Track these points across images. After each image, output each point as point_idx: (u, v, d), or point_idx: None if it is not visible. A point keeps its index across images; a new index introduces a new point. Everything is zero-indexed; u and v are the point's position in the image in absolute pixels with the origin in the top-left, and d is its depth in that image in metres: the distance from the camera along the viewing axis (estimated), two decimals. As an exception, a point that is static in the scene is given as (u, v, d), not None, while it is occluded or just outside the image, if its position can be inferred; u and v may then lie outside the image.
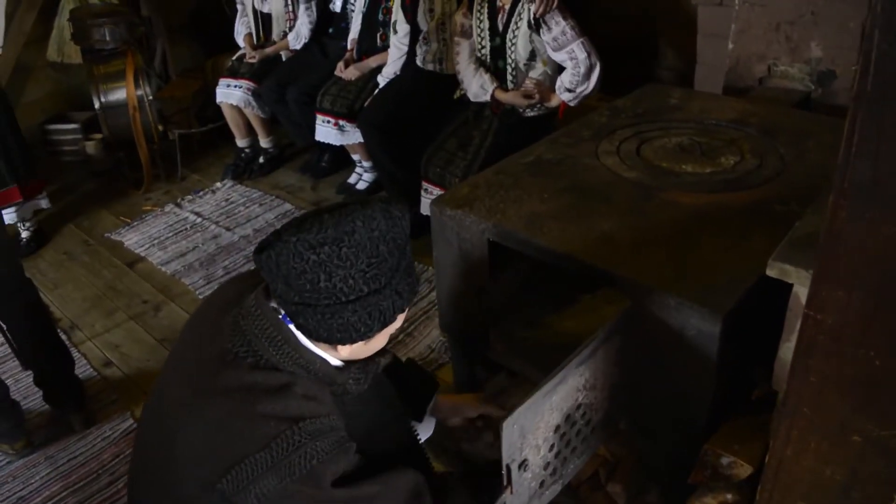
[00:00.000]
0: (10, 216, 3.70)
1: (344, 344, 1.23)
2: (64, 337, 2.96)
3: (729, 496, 1.53)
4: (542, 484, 1.43)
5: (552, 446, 1.41)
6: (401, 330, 2.97)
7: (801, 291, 1.27)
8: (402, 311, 1.27)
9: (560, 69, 3.05)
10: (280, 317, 1.24)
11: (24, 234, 3.86)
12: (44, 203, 3.88)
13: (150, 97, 4.29)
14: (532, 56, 3.06)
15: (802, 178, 1.84)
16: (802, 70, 2.52)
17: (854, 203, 0.91)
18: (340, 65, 3.84)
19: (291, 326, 1.24)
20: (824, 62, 2.47)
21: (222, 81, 4.21)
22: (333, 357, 1.28)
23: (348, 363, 1.31)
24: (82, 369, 2.92)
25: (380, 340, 1.31)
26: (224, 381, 1.20)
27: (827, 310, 1.01)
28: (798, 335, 1.06)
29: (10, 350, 2.59)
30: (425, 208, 3.20)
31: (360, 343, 1.25)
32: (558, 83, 3.02)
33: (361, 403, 1.34)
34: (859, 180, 0.89)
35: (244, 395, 1.18)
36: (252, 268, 1.37)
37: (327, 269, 1.14)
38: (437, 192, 3.07)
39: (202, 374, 1.24)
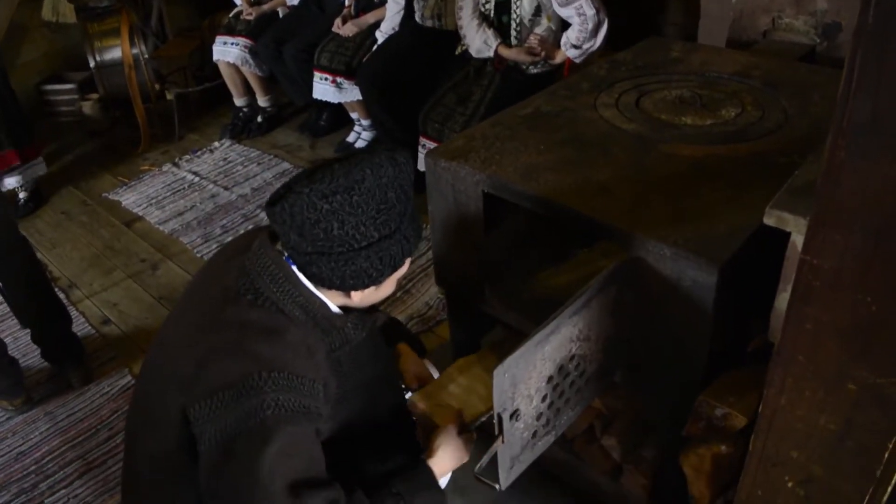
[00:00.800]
0: (11, 181, 3.68)
1: (356, 289, 1.27)
2: (62, 296, 2.96)
3: (723, 447, 1.53)
4: (534, 434, 1.43)
5: (545, 397, 1.40)
6: (400, 287, 2.96)
7: (799, 240, 1.25)
8: (410, 255, 1.31)
9: (564, 25, 3.00)
10: (284, 258, 1.26)
11: (22, 195, 3.84)
12: (41, 169, 3.85)
13: (146, 56, 4.25)
14: (537, 11, 3.01)
15: (805, 131, 1.81)
16: (807, 23, 2.47)
17: (853, 142, 0.88)
18: (338, 21, 3.78)
19: (295, 269, 1.26)
20: (829, 14, 2.41)
21: (219, 39, 4.16)
22: (341, 302, 1.32)
23: (347, 310, 1.34)
24: (80, 327, 2.92)
25: (389, 286, 1.35)
26: (225, 316, 1.24)
27: (824, 255, 0.98)
28: (794, 281, 1.04)
29: (8, 308, 2.60)
30: (423, 164, 3.17)
31: (372, 288, 1.30)
32: (564, 39, 2.97)
33: (357, 364, 1.36)
34: (859, 118, 0.87)
35: (238, 331, 1.22)
36: (258, 225, 1.39)
37: (340, 217, 1.17)
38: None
39: (206, 312, 1.28)
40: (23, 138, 3.63)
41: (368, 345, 1.43)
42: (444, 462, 1.42)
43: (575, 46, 2.92)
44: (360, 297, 1.31)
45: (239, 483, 1.17)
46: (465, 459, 1.47)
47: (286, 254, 1.27)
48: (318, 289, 1.28)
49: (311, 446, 1.23)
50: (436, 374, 1.71)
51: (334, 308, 1.32)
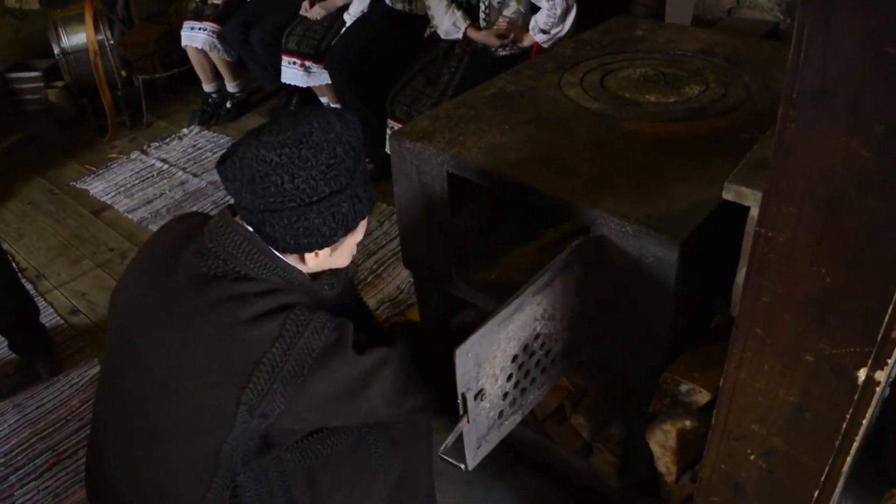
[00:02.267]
0: None
1: (311, 250, 1.26)
2: (29, 286, 2.93)
3: (688, 423, 1.54)
4: (500, 414, 1.43)
5: (510, 376, 1.40)
6: (370, 271, 2.96)
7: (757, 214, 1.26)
8: (363, 217, 1.30)
9: (534, 8, 2.98)
10: (250, 231, 1.25)
11: None
12: None
13: (112, 42, 4.18)
14: (507, -7, 3.00)
15: (767, 107, 1.81)
16: (772, 0, 2.47)
17: (803, 113, 0.88)
18: (305, 4, 3.74)
19: (262, 241, 1.26)
20: (794, -9, 2.42)
21: (186, 24, 4.10)
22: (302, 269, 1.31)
23: (318, 273, 1.35)
24: (49, 318, 2.89)
25: (344, 252, 1.35)
26: (211, 296, 1.21)
27: (778, 227, 0.99)
28: (750, 254, 1.04)
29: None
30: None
31: (326, 252, 1.29)
32: (532, 23, 2.96)
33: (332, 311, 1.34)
34: (807, 89, 0.86)
35: (237, 303, 1.20)
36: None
37: (290, 170, 1.17)
38: (404, 131, 3.03)
39: (187, 301, 1.23)
40: None
41: (345, 299, 1.45)
42: None
43: (543, 31, 2.91)
44: (314, 263, 1.30)
45: (351, 393, 1.25)
46: None
47: (251, 228, 1.26)
48: (284, 257, 1.28)
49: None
50: None
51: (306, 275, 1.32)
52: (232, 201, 1.27)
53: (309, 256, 1.28)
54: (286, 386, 1.19)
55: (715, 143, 1.68)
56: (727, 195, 1.25)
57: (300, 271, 1.29)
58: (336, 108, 1.25)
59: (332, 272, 1.37)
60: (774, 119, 1.65)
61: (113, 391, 1.37)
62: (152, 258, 1.35)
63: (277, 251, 1.26)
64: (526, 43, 3.04)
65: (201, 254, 1.26)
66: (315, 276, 1.34)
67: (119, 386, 1.34)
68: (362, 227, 1.33)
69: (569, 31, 2.92)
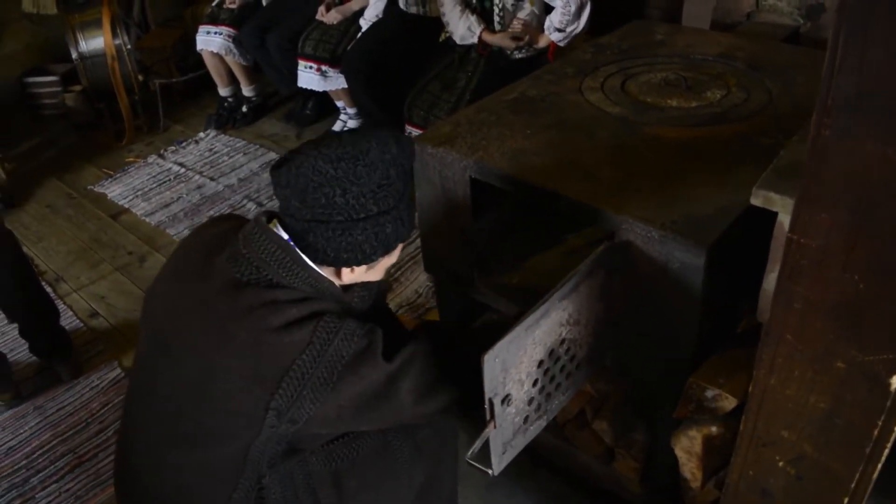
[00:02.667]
0: None
1: (349, 266, 1.28)
2: (49, 289, 2.95)
3: (713, 429, 1.53)
4: (526, 419, 1.43)
5: (536, 381, 1.40)
6: (388, 275, 2.96)
7: (786, 220, 1.26)
8: (403, 240, 1.32)
9: (547, 9, 2.98)
10: (285, 239, 1.26)
11: None
12: None
13: (129, 46, 4.20)
14: (520, -5, 3.00)
15: (789, 112, 1.81)
16: (791, 3, 2.47)
17: (838, 120, 0.88)
18: (322, 9, 3.75)
19: (296, 250, 1.26)
20: (813, -6, 2.42)
21: (202, 28, 4.12)
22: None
23: (349, 286, 1.36)
24: (68, 321, 2.91)
25: (377, 272, 1.36)
26: (244, 302, 1.22)
27: (811, 233, 0.99)
28: (782, 260, 1.04)
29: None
30: (410, 153, 3.16)
31: (362, 269, 1.31)
32: (547, 23, 2.96)
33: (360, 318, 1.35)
34: (843, 96, 0.86)
35: (269, 309, 1.21)
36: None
37: (343, 184, 1.19)
38: (421, 135, 3.03)
39: (221, 306, 1.24)
40: None
41: (374, 315, 1.44)
42: None
43: (558, 30, 2.91)
44: (349, 278, 1.31)
45: (379, 397, 1.27)
46: None
47: (286, 236, 1.27)
48: (319, 268, 1.29)
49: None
50: None
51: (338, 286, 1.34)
52: (273, 207, 1.29)
53: (345, 271, 1.29)
54: (316, 392, 1.20)
55: (738, 148, 1.68)
56: (755, 201, 1.25)
57: (332, 282, 1.31)
58: (395, 131, 1.29)
59: (364, 285, 1.38)
60: (798, 124, 1.66)
61: (144, 391, 1.38)
62: (187, 261, 1.37)
63: (315, 262, 1.27)
64: (542, 44, 3.04)
65: (235, 259, 1.26)
66: (346, 287, 1.35)
67: (150, 386, 1.36)
68: (398, 250, 1.35)
69: (584, 28, 2.93)
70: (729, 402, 1.47)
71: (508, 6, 3.03)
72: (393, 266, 2.94)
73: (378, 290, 1.46)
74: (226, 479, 1.32)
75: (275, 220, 1.29)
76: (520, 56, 3.09)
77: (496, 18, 3.07)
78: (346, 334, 1.22)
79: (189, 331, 1.27)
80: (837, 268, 0.98)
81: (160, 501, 1.40)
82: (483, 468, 1.35)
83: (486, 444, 1.35)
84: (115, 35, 4.12)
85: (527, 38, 3.00)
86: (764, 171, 1.29)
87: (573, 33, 2.92)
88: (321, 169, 1.18)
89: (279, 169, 1.21)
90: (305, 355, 1.19)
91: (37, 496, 2.25)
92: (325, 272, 1.29)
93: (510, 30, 3.02)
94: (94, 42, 4.17)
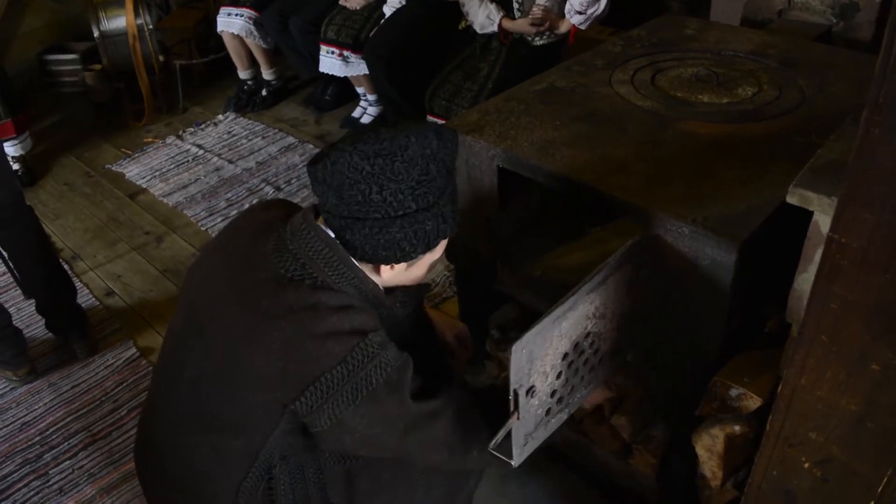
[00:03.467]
0: (10, 150, 3.64)
1: (388, 263, 1.25)
2: (66, 267, 2.94)
3: (737, 428, 1.52)
4: (548, 412, 1.42)
5: (560, 374, 1.39)
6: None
7: (822, 219, 1.24)
8: (445, 237, 1.28)
9: None
10: (332, 237, 1.24)
11: (17, 167, 3.79)
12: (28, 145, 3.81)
13: (151, 26, 4.20)
14: (539, -18, 2.98)
15: (822, 111, 1.79)
16: (824, 2, 2.43)
17: (889, 119, 0.87)
18: (345, -7, 3.73)
19: (343, 249, 1.25)
20: (847, -7, 2.38)
21: (223, 10, 4.11)
22: (377, 282, 1.31)
23: (392, 289, 1.34)
24: (84, 299, 2.91)
25: (420, 269, 1.33)
26: (286, 301, 1.21)
27: (852, 233, 0.97)
28: (820, 260, 1.02)
29: (11, 278, 2.58)
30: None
31: (403, 266, 1.27)
32: (567, 6, 2.96)
33: (397, 331, 1.33)
34: (894, 94, 0.85)
35: (310, 314, 1.20)
36: (266, 199, 1.36)
37: (380, 181, 1.16)
38: (443, 125, 3.02)
39: (262, 300, 1.22)
40: (18, 108, 3.59)
41: (414, 322, 1.45)
42: None
43: (579, 13, 2.90)
44: (389, 276, 1.29)
45: (389, 435, 1.27)
46: None
47: (331, 231, 1.25)
48: (359, 265, 1.27)
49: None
50: None
51: (382, 288, 1.32)
52: (289, 191, 1.28)
53: (384, 268, 1.27)
54: (335, 409, 1.20)
55: (771, 145, 1.66)
56: (791, 199, 1.23)
57: (375, 284, 1.29)
58: (437, 124, 1.25)
59: (406, 290, 1.36)
60: (832, 124, 1.64)
61: (172, 368, 1.38)
62: (234, 243, 1.35)
63: (354, 258, 1.25)
64: (563, 29, 3.03)
65: (281, 253, 1.25)
66: (388, 291, 1.33)
67: (179, 364, 1.35)
68: (442, 246, 1.31)
69: (604, 11, 2.92)
70: (753, 402, 1.46)
71: (527, -8, 3.02)
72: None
73: (420, 298, 1.44)
74: (237, 468, 1.32)
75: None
76: (541, 42, 3.08)
77: (515, 5, 3.06)
78: (380, 362, 1.21)
79: (225, 317, 1.26)
80: (879, 269, 0.97)
81: (173, 479, 1.40)
82: (505, 458, 1.35)
83: (509, 435, 1.35)
84: (137, 15, 4.11)
85: (547, 23, 2.98)
86: (797, 170, 1.27)
87: (594, 15, 2.91)
88: (357, 165, 1.15)
89: (316, 165, 1.19)
90: (336, 371, 1.18)
91: (50, 472, 2.26)
92: (366, 269, 1.28)
93: (530, 15, 3.01)
94: (116, 21, 4.17)
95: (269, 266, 1.25)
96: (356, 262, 1.26)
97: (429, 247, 1.26)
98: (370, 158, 1.15)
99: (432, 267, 1.36)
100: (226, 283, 1.29)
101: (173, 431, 1.37)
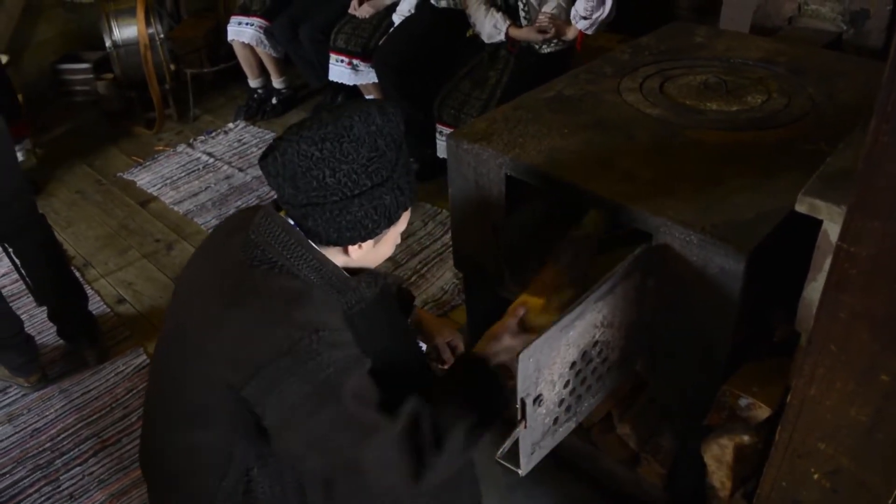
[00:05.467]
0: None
1: (354, 243, 1.26)
2: (77, 274, 2.96)
3: (746, 437, 1.51)
4: (555, 421, 1.41)
5: (567, 383, 1.39)
6: (414, 271, 2.96)
7: (831, 228, 1.23)
8: (406, 208, 1.29)
9: (572, 1, 2.98)
10: (291, 224, 1.25)
11: None
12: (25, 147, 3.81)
13: (162, 36, 4.23)
14: (544, -10, 2.99)
15: (832, 118, 1.78)
16: (834, 9, 2.43)
17: (898, 127, 0.86)
18: (354, 2, 3.75)
19: (301, 233, 1.26)
20: (858, 1, 2.37)
21: (233, 19, 4.13)
22: (343, 262, 1.31)
23: (357, 271, 1.34)
24: (96, 306, 2.93)
25: (388, 244, 1.35)
26: (244, 287, 1.22)
27: (862, 242, 0.96)
28: (829, 269, 1.02)
29: (24, 285, 2.60)
30: (441, 151, 3.16)
31: (370, 244, 1.29)
32: (573, 13, 2.97)
33: (371, 328, 1.34)
34: (905, 102, 0.84)
35: (268, 301, 1.20)
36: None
37: (331, 164, 1.17)
38: (452, 133, 3.03)
39: (222, 289, 1.25)
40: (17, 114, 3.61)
41: (383, 310, 1.42)
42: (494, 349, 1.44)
43: (584, 17, 2.91)
44: (358, 255, 1.30)
45: (328, 432, 1.20)
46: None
47: (292, 221, 1.26)
48: (325, 250, 1.28)
49: (375, 385, 1.25)
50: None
51: (344, 272, 1.31)
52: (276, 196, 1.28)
53: (353, 249, 1.28)
54: (283, 400, 1.18)
55: (780, 153, 1.65)
56: (800, 207, 1.22)
57: (336, 266, 1.29)
58: (377, 100, 1.26)
59: (371, 273, 1.36)
60: (841, 132, 1.63)
61: (157, 369, 1.41)
62: (209, 245, 1.39)
63: (321, 245, 1.26)
64: (570, 35, 3.04)
65: (245, 244, 1.27)
66: (352, 272, 1.33)
67: (163, 364, 1.38)
68: (405, 217, 1.33)
69: (610, 14, 2.92)
70: (763, 412, 1.45)
71: (533, 1, 3.02)
72: (419, 263, 2.96)
73: (385, 283, 1.41)
74: (217, 466, 1.32)
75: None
76: (548, 50, 3.08)
77: (522, 14, 3.07)
78: (323, 361, 1.18)
79: (196, 309, 1.29)
80: (888, 278, 0.96)
81: (163, 481, 1.43)
82: (512, 467, 1.35)
83: (516, 444, 1.34)
84: (148, 24, 4.14)
85: (553, 30, 2.99)
86: (806, 178, 1.26)
87: (599, 19, 2.92)
88: (305, 152, 1.16)
89: (265, 159, 1.20)
90: (283, 361, 1.17)
91: (60, 478, 2.27)
92: (333, 253, 1.29)
93: (537, 23, 3.01)
94: (128, 31, 4.20)
95: (233, 256, 1.27)
96: (320, 248, 1.26)
97: (391, 220, 1.27)
98: (318, 143, 1.16)
99: (397, 239, 1.37)
100: (199, 279, 1.33)
101: (158, 430, 1.40)
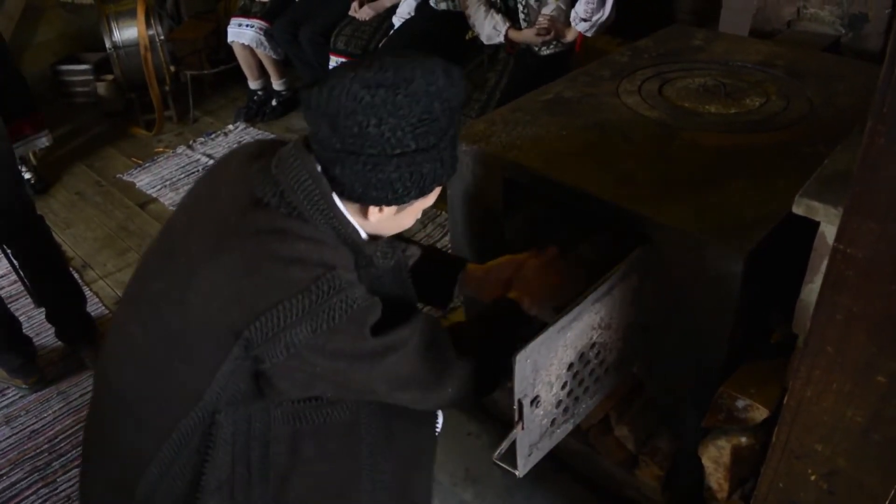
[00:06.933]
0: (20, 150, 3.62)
1: (378, 205, 1.18)
2: (76, 276, 2.96)
3: (743, 439, 1.51)
4: (553, 422, 1.42)
5: (565, 384, 1.39)
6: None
7: (828, 230, 1.23)
8: (441, 183, 1.21)
9: (572, 3, 2.99)
10: (318, 170, 1.16)
11: (28, 176, 3.80)
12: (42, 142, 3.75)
13: (162, 37, 4.24)
14: (544, -9, 3.00)
15: (830, 121, 1.78)
16: (833, 13, 2.43)
17: (893, 129, 0.86)
18: (355, 4, 3.76)
19: (328, 185, 1.17)
20: (856, 4, 2.38)
21: (234, 21, 4.14)
22: (359, 222, 1.23)
23: (374, 238, 1.27)
24: (94, 307, 2.93)
25: (409, 216, 1.27)
26: (254, 222, 1.14)
27: (858, 243, 0.97)
28: (826, 271, 1.02)
29: (22, 287, 2.60)
30: (440, 152, 3.16)
31: (392, 210, 1.20)
32: (573, 14, 2.97)
33: (378, 290, 1.25)
34: (900, 104, 0.84)
35: (278, 237, 1.12)
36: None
37: (379, 113, 1.07)
38: (451, 135, 3.03)
39: (228, 218, 1.16)
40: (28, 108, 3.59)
41: (395, 277, 1.34)
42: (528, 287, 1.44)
43: (584, 20, 2.92)
44: (377, 219, 1.21)
45: (353, 370, 1.16)
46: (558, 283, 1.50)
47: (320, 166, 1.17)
48: (346, 205, 1.19)
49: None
50: None
51: (363, 235, 1.24)
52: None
53: (373, 210, 1.19)
54: (292, 339, 1.10)
55: (778, 156, 1.66)
56: (797, 209, 1.23)
57: (355, 228, 1.21)
58: (444, 61, 1.14)
59: (388, 242, 1.28)
60: (840, 134, 1.63)
61: (138, 284, 1.30)
62: (224, 170, 1.29)
63: (341, 197, 1.18)
64: (569, 38, 3.04)
65: (263, 175, 1.18)
66: (370, 240, 1.26)
67: (146, 279, 1.27)
68: (435, 193, 1.24)
69: (609, 16, 2.92)
70: (760, 413, 1.45)
71: (532, 3, 3.03)
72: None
73: (402, 256, 1.34)
74: (182, 401, 1.21)
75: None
76: (548, 52, 3.09)
77: (521, 16, 3.07)
78: (347, 297, 1.12)
79: (194, 234, 1.20)
80: (885, 280, 0.96)
81: (118, 407, 1.31)
82: (510, 469, 1.35)
83: (513, 446, 1.34)
84: (148, 26, 4.15)
85: (553, 33, 2.99)
86: (804, 180, 1.26)
87: (599, 21, 2.92)
88: (356, 94, 1.06)
89: (310, 89, 1.10)
90: (296, 300, 1.09)
91: (58, 479, 2.27)
92: (351, 211, 1.20)
93: (536, 25, 3.02)
94: (128, 32, 4.21)
95: (247, 186, 1.18)
96: (340, 202, 1.18)
97: (423, 192, 1.18)
98: (371, 88, 1.06)
99: (419, 214, 1.30)
100: (205, 206, 1.23)
101: (134, 344, 1.27)
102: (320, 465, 1.32)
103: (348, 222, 1.19)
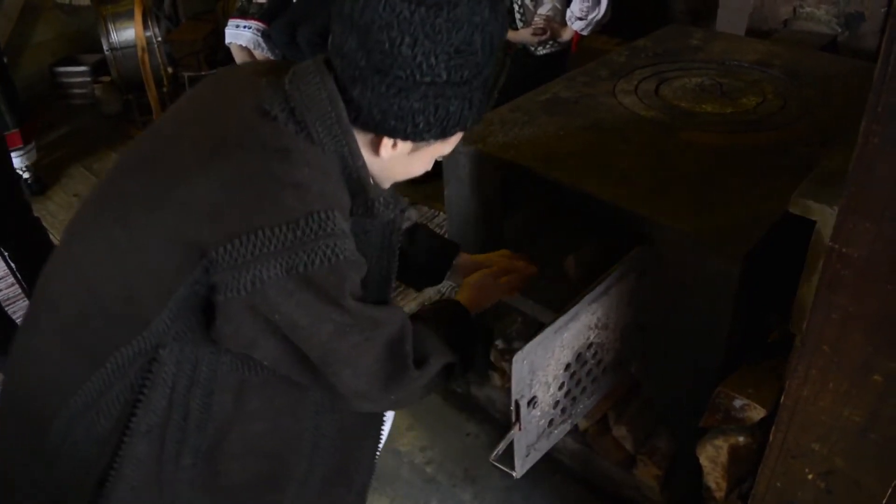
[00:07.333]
0: (17, 161, 3.64)
1: (394, 136, 1.09)
2: (74, 277, 2.96)
3: (741, 439, 1.51)
4: (550, 423, 1.42)
5: (562, 385, 1.39)
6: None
7: (825, 229, 1.23)
8: (464, 128, 1.13)
9: (567, 2, 2.99)
10: (337, 93, 1.07)
11: (26, 176, 3.80)
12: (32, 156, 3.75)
13: (160, 39, 4.23)
14: (539, -8, 3.01)
15: (827, 121, 1.79)
16: (829, 12, 2.44)
17: (888, 128, 0.86)
18: (353, 6, 3.75)
19: (345, 110, 1.08)
20: (853, 4, 2.39)
21: (231, 22, 4.12)
22: (368, 159, 1.14)
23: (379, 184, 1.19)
24: (92, 309, 2.91)
25: (422, 160, 1.18)
26: (260, 136, 1.03)
27: (854, 243, 0.97)
28: (822, 270, 1.02)
29: (20, 289, 2.59)
30: (440, 153, 3.17)
31: (406, 148, 1.12)
32: (568, 14, 2.98)
33: (363, 246, 1.15)
34: (894, 103, 0.85)
35: (281, 157, 1.02)
36: None
37: (415, 33, 0.99)
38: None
39: (228, 127, 1.06)
40: (23, 118, 3.60)
41: (384, 236, 1.23)
42: (472, 294, 1.39)
43: (580, 18, 2.92)
44: (387, 157, 1.12)
45: (313, 332, 1.04)
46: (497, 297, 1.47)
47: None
48: (359, 134, 1.11)
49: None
50: None
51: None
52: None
53: (386, 144, 1.11)
54: (259, 274, 0.98)
55: (774, 155, 1.66)
56: (794, 209, 1.23)
57: (364, 163, 1.11)
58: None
59: (393, 194, 1.19)
60: (836, 134, 1.63)
61: (111, 182, 1.16)
62: (229, 77, 1.20)
63: (355, 124, 1.08)
64: (565, 37, 3.05)
65: (273, 89, 1.08)
66: (376, 184, 1.17)
67: (117, 180, 1.15)
68: (455, 140, 1.16)
69: (605, 15, 2.93)
70: (757, 413, 1.45)
71: (528, 4, 3.03)
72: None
73: (399, 214, 1.22)
74: (128, 323, 1.07)
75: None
76: (544, 52, 3.10)
77: (517, 16, 3.08)
78: (334, 244, 1.01)
79: (186, 137, 1.10)
80: (880, 279, 0.97)
81: (55, 312, 1.15)
82: (506, 469, 1.35)
83: (510, 446, 1.34)
84: (146, 27, 4.14)
85: (549, 32, 3.00)
86: (801, 180, 1.27)
87: (594, 20, 2.93)
88: (394, 6, 0.98)
89: None
90: (279, 229, 0.98)
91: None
92: (362, 142, 1.11)
93: (532, 25, 3.03)
94: (126, 33, 4.21)
95: (255, 97, 1.07)
96: (353, 128, 1.09)
97: (444, 133, 1.10)
98: (412, 3, 0.98)
99: (431, 162, 1.22)
100: (201, 107, 1.15)
101: (77, 264, 1.14)
102: (263, 422, 1.21)
103: (359, 153, 1.10)
